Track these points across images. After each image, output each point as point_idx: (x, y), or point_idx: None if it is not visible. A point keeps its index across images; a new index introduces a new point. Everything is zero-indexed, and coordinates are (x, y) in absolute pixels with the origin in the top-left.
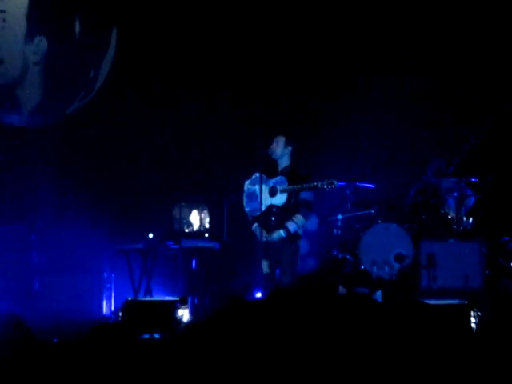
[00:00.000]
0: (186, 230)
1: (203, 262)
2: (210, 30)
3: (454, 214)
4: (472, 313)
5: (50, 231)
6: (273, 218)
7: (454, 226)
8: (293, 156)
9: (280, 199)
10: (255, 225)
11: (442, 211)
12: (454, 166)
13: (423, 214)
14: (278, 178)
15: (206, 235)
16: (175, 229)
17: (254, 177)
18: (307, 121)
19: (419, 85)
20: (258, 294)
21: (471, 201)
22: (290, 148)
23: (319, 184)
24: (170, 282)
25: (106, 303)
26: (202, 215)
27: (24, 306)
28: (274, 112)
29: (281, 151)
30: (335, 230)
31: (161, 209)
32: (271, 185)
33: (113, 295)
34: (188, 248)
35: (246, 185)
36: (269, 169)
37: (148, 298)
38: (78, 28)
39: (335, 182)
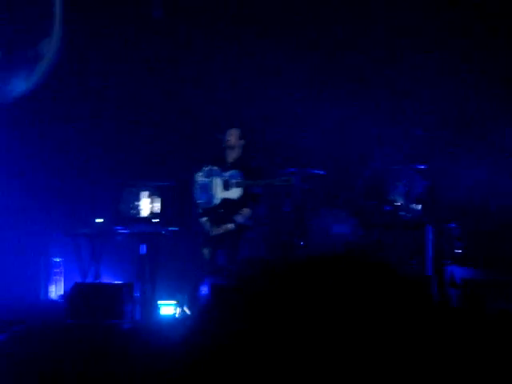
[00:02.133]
0: (136, 215)
1: (153, 247)
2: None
3: (401, 201)
4: None
5: None
6: (222, 211)
7: (402, 213)
8: (245, 149)
9: (234, 193)
10: (205, 218)
11: (390, 198)
12: (400, 154)
13: (371, 200)
14: (232, 171)
15: (157, 220)
16: (124, 213)
17: (206, 169)
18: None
19: (370, 71)
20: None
21: (419, 188)
22: (243, 141)
23: (275, 181)
24: (119, 267)
25: (55, 287)
26: (153, 200)
27: None
28: (224, 100)
29: (234, 144)
30: (285, 216)
31: (111, 193)
32: (224, 178)
33: (62, 280)
34: (137, 233)
35: (198, 176)
36: (219, 160)
37: (96, 282)
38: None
39: (291, 180)
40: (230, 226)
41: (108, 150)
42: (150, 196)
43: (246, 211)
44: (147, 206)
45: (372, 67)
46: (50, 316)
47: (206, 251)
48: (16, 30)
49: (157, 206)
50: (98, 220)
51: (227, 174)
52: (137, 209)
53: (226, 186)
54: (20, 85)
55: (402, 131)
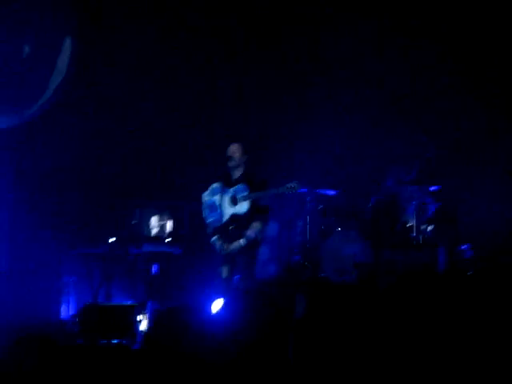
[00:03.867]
0: (147, 235)
1: (164, 266)
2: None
3: (413, 222)
4: None
5: (8, 234)
6: (233, 228)
7: (414, 234)
8: (246, 164)
9: (241, 208)
10: (215, 237)
11: (402, 219)
12: (413, 174)
13: (383, 221)
14: (237, 186)
15: (167, 240)
16: (136, 233)
17: (211, 188)
18: (264, 126)
19: (379, 92)
20: (219, 300)
21: (431, 209)
22: (246, 156)
23: (280, 189)
24: (130, 286)
25: (65, 307)
26: (163, 220)
27: None
28: (229, 121)
29: (238, 159)
30: (296, 237)
31: (122, 213)
32: (231, 194)
33: (72, 299)
34: (148, 253)
35: (204, 196)
36: (224, 177)
37: (107, 303)
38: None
39: (296, 186)
40: (242, 241)
41: (120, 170)
42: (161, 216)
43: (256, 225)
44: (158, 226)
45: (383, 88)
46: (61, 336)
47: (223, 269)
48: (32, 45)
49: (168, 226)
50: (109, 240)
51: (232, 189)
52: (148, 229)
53: (234, 202)
54: (34, 103)
55: (414, 152)
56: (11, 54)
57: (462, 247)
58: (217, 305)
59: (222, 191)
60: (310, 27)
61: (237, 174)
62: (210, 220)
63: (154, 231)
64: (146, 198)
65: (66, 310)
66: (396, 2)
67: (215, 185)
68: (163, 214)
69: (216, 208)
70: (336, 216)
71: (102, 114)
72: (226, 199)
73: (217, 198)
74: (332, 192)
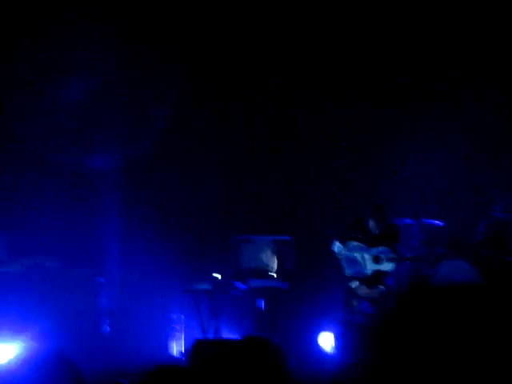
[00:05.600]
0: (253, 270)
1: (271, 301)
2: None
3: None
4: None
5: (117, 273)
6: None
7: None
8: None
9: (387, 267)
10: (357, 282)
11: None
12: None
13: (494, 250)
14: (380, 248)
15: (274, 275)
16: (242, 268)
17: (351, 245)
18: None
19: (486, 118)
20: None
21: None
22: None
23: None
24: (238, 322)
25: (176, 344)
26: (270, 255)
27: (94, 350)
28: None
29: (381, 222)
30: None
31: (228, 248)
32: (375, 253)
33: (183, 336)
34: (255, 288)
35: (341, 248)
36: (360, 229)
37: (217, 339)
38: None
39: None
40: (382, 287)
41: (227, 205)
42: (266, 250)
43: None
44: (265, 260)
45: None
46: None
47: (354, 302)
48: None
49: (274, 260)
50: (215, 275)
51: (375, 250)
52: (255, 263)
53: (377, 261)
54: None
55: None
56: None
57: None
58: (326, 339)
59: (363, 250)
60: None
61: (375, 230)
62: (349, 272)
63: (261, 266)
64: (252, 233)
65: (177, 347)
66: None
67: (355, 243)
68: (269, 247)
69: (356, 263)
70: (443, 246)
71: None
72: (368, 257)
73: (357, 255)
74: (439, 222)
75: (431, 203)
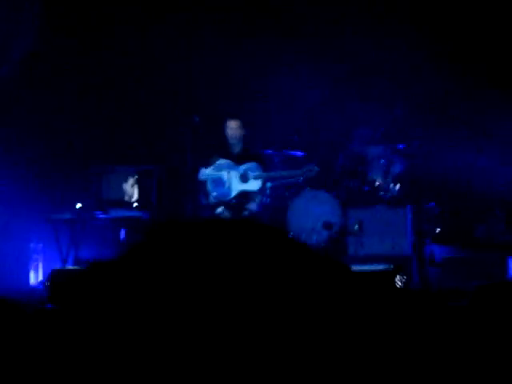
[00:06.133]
0: (115, 200)
1: (132, 232)
2: None
3: (381, 181)
4: (398, 277)
5: None
6: (235, 201)
7: (382, 193)
8: (245, 139)
9: (254, 185)
10: (221, 208)
11: (369, 178)
12: (379, 134)
13: (351, 180)
14: (248, 164)
15: (135, 205)
16: (103, 198)
17: (217, 163)
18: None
19: (345, 52)
20: None
21: (398, 167)
22: (244, 130)
23: (299, 172)
24: (98, 252)
25: (34, 273)
26: (131, 185)
27: None
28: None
29: (239, 136)
30: (264, 198)
31: (90, 179)
32: (242, 171)
33: (41, 265)
34: (116, 218)
35: (206, 170)
36: (224, 153)
37: (75, 268)
38: None
39: (314, 169)
40: (246, 213)
41: (87, 134)
42: (128, 181)
43: (258, 198)
44: (126, 190)
45: (353, 47)
46: (30, 302)
47: None
48: None
49: (135, 191)
50: (77, 205)
51: (243, 166)
52: (116, 193)
53: (244, 179)
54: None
55: (381, 111)
56: None
57: (430, 205)
58: None
59: (229, 167)
60: None
61: (236, 149)
62: (214, 194)
63: (122, 196)
64: (114, 163)
65: (36, 276)
66: None
67: (222, 161)
68: (131, 178)
69: (223, 183)
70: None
71: (73, 69)
72: (235, 175)
73: (224, 173)
74: (300, 153)
75: (294, 135)
